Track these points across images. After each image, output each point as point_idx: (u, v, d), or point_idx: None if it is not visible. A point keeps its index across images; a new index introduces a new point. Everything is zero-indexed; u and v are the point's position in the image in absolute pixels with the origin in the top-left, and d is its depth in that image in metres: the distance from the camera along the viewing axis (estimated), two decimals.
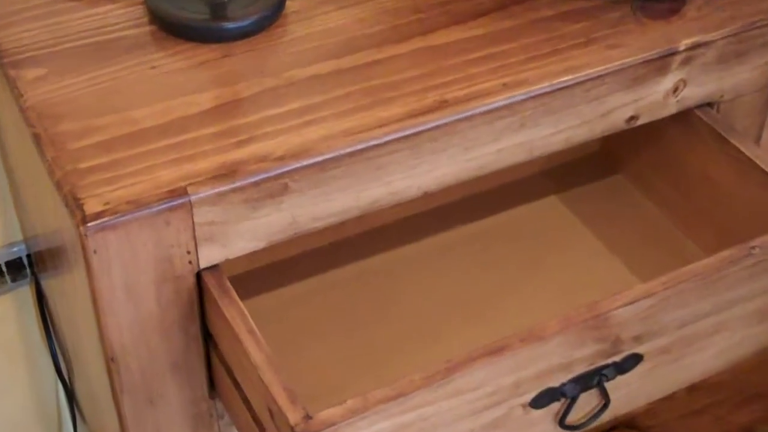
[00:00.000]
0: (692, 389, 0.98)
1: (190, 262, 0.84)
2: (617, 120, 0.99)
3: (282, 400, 0.77)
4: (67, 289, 1.01)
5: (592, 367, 0.90)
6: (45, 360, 1.39)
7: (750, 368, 1.55)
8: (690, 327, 0.95)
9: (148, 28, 0.98)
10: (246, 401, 0.86)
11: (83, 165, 0.82)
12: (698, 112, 1.05)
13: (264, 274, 1.11)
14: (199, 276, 0.86)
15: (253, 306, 1.07)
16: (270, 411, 0.80)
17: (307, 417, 0.76)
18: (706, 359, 1.00)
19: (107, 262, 0.80)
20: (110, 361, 0.86)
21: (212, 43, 0.96)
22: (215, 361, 0.90)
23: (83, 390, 1.25)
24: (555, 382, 0.89)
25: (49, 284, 1.22)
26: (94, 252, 0.79)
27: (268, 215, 0.85)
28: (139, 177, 0.81)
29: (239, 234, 0.85)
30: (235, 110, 0.89)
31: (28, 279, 1.32)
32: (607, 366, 0.91)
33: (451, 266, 1.13)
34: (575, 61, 0.95)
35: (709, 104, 1.05)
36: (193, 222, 0.82)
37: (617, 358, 0.91)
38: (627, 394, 0.96)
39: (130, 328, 0.85)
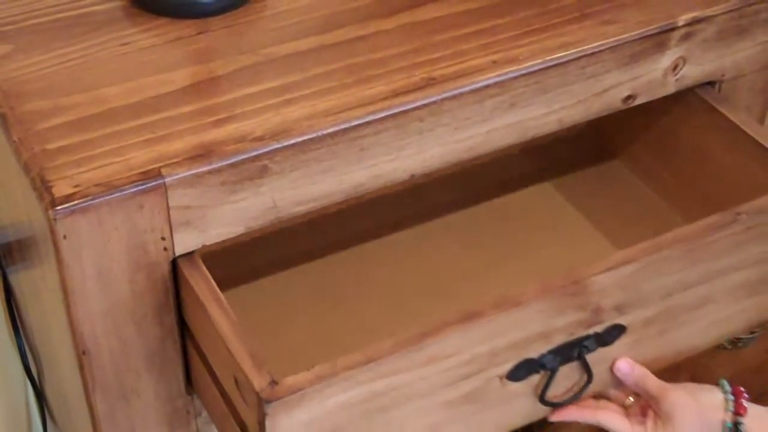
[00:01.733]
0: None
1: (165, 249, 0.84)
2: (613, 99, 0.99)
3: (247, 366, 0.78)
4: (36, 282, 1.01)
5: (573, 337, 0.90)
6: (13, 359, 1.38)
7: (754, 368, 1.55)
8: (675, 298, 0.94)
9: (119, 3, 0.98)
10: (223, 394, 0.85)
11: (52, 146, 0.82)
12: (699, 92, 1.05)
13: (236, 251, 1.10)
14: (174, 263, 0.85)
15: (225, 283, 1.06)
16: (236, 380, 0.80)
17: (273, 383, 0.76)
18: (693, 334, 0.99)
19: (77, 249, 0.80)
20: (82, 355, 0.86)
21: (187, 18, 0.96)
22: (192, 354, 0.90)
23: (53, 389, 1.24)
24: (533, 353, 0.89)
25: (17, 278, 1.21)
26: (64, 237, 0.79)
27: (246, 199, 0.85)
28: (110, 158, 0.81)
29: (216, 218, 0.85)
30: (212, 88, 0.88)
31: None
32: (588, 337, 0.91)
33: (434, 246, 1.13)
34: (569, 36, 0.95)
35: (710, 83, 1.05)
36: (167, 206, 0.81)
37: (599, 329, 0.91)
38: (611, 368, 0.95)
39: (102, 319, 0.84)
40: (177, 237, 0.84)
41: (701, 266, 0.94)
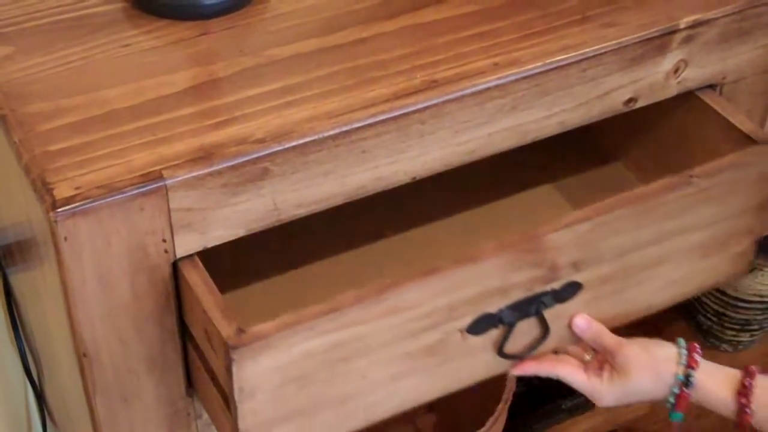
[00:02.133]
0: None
1: (165, 251, 0.84)
2: (615, 102, 0.99)
3: (217, 317, 0.81)
4: (36, 283, 1.01)
5: (530, 293, 0.93)
6: (13, 361, 1.38)
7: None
8: (629, 257, 0.97)
9: (120, 5, 0.98)
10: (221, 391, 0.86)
11: (53, 147, 0.82)
12: (700, 94, 1.05)
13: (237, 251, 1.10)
14: (175, 266, 0.85)
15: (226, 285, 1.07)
16: (207, 333, 0.83)
17: (240, 331, 0.80)
18: (649, 292, 1.02)
19: (78, 251, 0.80)
20: (82, 358, 0.86)
21: (189, 20, 0.96)
22: (192, 356, 0.90)
23: (53, 391, 1.24)
24: (492, 308, 0.91)
25: (17, 280, 1.22)
26: (65, 239, 0.79)
27: (248, 201, 0.85)
28: (111, 160, 0.81)
29: (218, 221, 0.85)
30: (213, 90, 0.89)
31: None
32: (545, 293, 0.94)
33: (433, 247, 1.13)
34: (570, 39, 0.95)
35: (711, 86, 1.05)
36: (168, 208, 0.82)
37: (556, 286, 0.94)
38: (568, 325, 0.98)
39: (103, 322, 0.85)
40: (178, 239, 0.84)
41: (655, 226, 0.97)
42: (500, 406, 1.28)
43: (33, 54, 0.92)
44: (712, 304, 1.57)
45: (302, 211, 0.89)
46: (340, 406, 0.90)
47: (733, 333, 1.57)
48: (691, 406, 0.98)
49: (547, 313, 0.95)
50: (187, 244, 0.85)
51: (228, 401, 0.84)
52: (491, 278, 0.90)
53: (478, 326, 0.92)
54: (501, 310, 0.92)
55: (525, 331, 0.95)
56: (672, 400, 0.97)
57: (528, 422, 1.45)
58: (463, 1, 0.99)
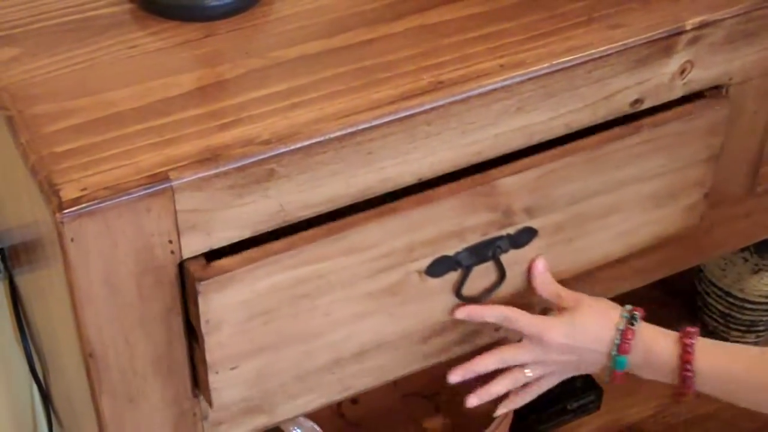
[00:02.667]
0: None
1: (172, 252, 0.84)
2: (621, 103, 0.99)
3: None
4: (43, 284, 1.01)
5: (486, 237, 0.96)
6: (19, 361, 1.39)
7: None
8: (582, 205, 1.01)
9: (127, 6, 0.98)
10: None
11: (59, 149, 0.82)
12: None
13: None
14: (181, 266, 0.86)
15: None
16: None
17: (206, 264, 0.85)
18: (603, 241, 1.06)
19: (85, 252, 0.80)
20: (88, 358, 0.86)
21: (195, 21, 0.96)
22: (199, 356, 0.90)
23: (59, 391, 1.25)
24: (449, 251, 0.95)
25: (24, 280, 1.22)
26: (71, 240, 0.79)
27: (254, 202, 0.85)
28: (118, 161, 0.81)
29: (224, 222, 0.85)
30: (219, 92, 0.89)
31: (2, 276, 1.32)
32: (501, 238, 0.97)
33: None
34: (577, 40, 0.95)
35: (717, 87, 1.05)
36: (175, 209, 0.82)
37: (511, 231, 0.98)
38: (525, 271, 1.02)
39: (110, 322, 0.85)
40: (184, 240, 0.84)
41: (605, 175, 1.00)
42: None
43: (39, 56, 0.92)
44: (717, 305, 1.57)
45: (308, 213, 0.89)
46: (304, 344, 0.93)
47: (739, 334, 1.58)
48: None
49: (504, 258, 0.99)
50: (193, 244, 0.85)
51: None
52: (448, 220, 0.93)
53: (437, 268, 0.96)
54: (458, 253, 0.96)
55: (483, 275, 0.99)
56: (617, 340, 0.98)
57: (534, 423, 1.46)
58: (469, 2, 0.99)
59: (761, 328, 1.57)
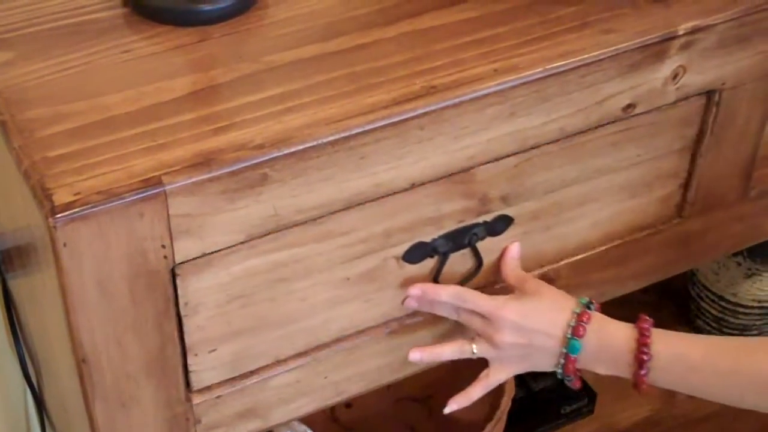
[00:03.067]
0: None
1: (165, 257, 0.84)
2: (613, 108, 0.99)
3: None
4: (36, 289, 1.01)
5: (463, 224, 0.98)
6: (12, 366, 1.39)
7: None
8: (558, 193, 1.02)
9: (121, 11, 0.98)
10: None
11: (52, 153, 0.82)
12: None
13: None
14: (174, 271, 0.86)
15: None
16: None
17: None
18: (580, 230, 1.07)
19: (78, 256, 0.80)
20: (81, 363, 0.86)
21: (188, 26, 0.96)
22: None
23: (53, 396, 1.24)
24: (426, 237, 0.97)
25: (17, 285, 1.22)
26: (64, 245, 0.79)
27: (247, 207, 0.85)
28: (111, 166, 0.81)
29: (217, 226, 0.85)
30: (212, 96, 0.89)
31: None
32: (477, 225, 0.99)
33: None
34: (569, 45, 0.95)
35: (710, 92, 1.05)
36: (168, 213, 0.82)
37: (487, 218, 0.99)
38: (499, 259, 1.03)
39: (102, 327, 0.85)
40: (177, 245, 0.84)
41: (580, 164, 1.02)
42: (499, 411, 1.28)
43: (33, 59, 0.92)
44: (710, 310, 1.57)
45: (301, 217, 0.89)
46: (281, 328, 0.95)
47: None
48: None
49: (481, 246, 1.01)
50: (187, 249, 0.85)
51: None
52: (423, 206, 0.95)
53: (414, 254, 0.97)
54: (435, 240, 0.98)
55: (460, 262, 1.01)
56: (573, 322, 0.96)
57: (527, 427, 1.46)
58: (462, 7, 0.99)
59: (754, 332, 1.57)
